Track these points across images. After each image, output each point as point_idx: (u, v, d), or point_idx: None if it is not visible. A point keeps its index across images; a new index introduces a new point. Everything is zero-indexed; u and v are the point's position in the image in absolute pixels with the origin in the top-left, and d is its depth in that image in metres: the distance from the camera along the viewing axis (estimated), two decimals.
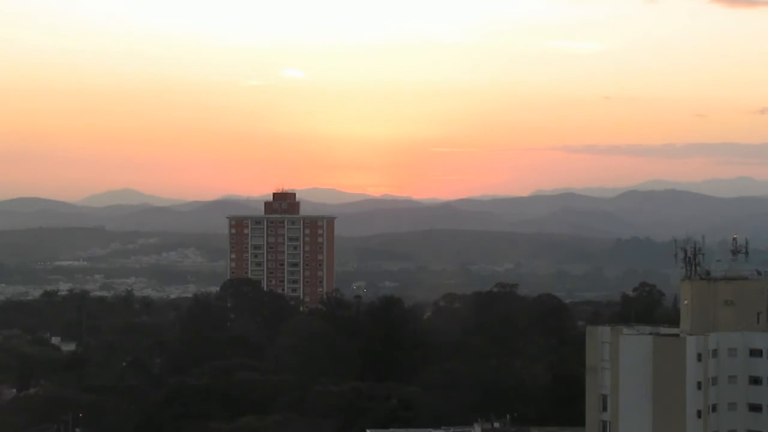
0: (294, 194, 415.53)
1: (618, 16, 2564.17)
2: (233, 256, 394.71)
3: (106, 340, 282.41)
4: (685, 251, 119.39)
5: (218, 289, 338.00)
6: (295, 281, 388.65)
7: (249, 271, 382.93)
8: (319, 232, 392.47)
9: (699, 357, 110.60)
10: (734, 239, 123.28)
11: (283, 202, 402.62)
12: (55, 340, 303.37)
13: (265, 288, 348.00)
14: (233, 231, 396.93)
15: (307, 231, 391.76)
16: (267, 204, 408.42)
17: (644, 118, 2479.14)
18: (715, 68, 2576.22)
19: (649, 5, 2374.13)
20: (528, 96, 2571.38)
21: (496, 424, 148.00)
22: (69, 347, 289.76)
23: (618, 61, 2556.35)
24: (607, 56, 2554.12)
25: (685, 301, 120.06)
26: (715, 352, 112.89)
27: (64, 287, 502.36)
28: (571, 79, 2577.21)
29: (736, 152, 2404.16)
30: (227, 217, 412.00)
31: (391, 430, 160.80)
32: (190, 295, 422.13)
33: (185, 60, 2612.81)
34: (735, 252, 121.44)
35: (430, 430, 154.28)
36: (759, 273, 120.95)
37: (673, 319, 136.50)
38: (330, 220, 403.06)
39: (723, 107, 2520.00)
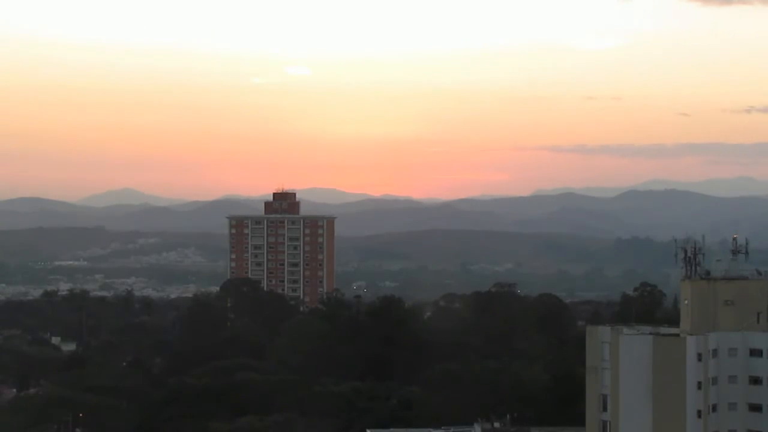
0: (294, 194, 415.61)
1: (598, 16, 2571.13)
2: (233, 256, 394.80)
3: (106, 340, 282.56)
4: (685, 251, 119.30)
5: (218, 289, 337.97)
6: (295, 281, 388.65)
7: (249, 271, 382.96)
8: (319, 232, 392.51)
9: (699, 357, 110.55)
10: (734, 239, 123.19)
11: (283, 202, 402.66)
12: (55, 340, 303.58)
13: (265, 288, 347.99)
14: (233, 231, 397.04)
15: (307, 231, 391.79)
16: (267, 204, 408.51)
17: (630, 118, 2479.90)
18: (694, 67, 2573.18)
19: (624, 3, 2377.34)
20: (528, 96, 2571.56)
21: (496, 424, 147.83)
22: (69, 347, 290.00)
23: (598, 62, 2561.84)
24: (587, 56, 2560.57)
25: (685, 301, 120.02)
26: (715, 352, 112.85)
27: (64, 287, 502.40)
28: (556, 79, 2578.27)
29: (728, 152, 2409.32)
30: (227, 217, 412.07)
31: (391, 430, 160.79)
32: (190, 295, 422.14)
33: (185, 59, 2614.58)
34: (735, 252, 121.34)
35: (430, 430, 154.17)
36: (759, 273, 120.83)
37: (673, 319, 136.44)
38: (330, 220, 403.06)
39: (706, 106, 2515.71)
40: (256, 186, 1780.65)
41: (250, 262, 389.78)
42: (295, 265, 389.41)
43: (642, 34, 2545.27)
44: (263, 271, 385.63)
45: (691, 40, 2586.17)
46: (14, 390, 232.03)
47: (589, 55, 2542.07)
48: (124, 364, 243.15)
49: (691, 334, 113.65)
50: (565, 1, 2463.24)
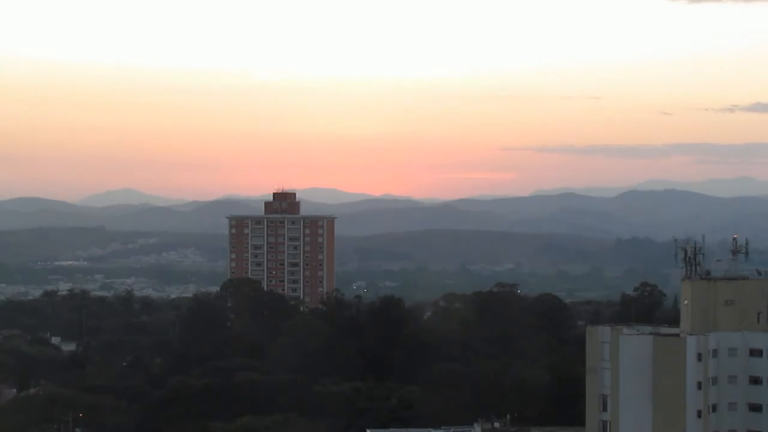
0: (294, 194, 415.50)
1: (581, 15, 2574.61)
2: (233, 256, 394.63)
3: (106, 340, 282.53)
4: (685, 251, 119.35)
5: (218, 289, 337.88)
6: (295, 281, 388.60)
7: (249, 271, 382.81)
8: (319, 232, 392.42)
9: (699, 357, 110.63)
10: (734, 239, 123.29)
11: (283, 201, 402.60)
12: (55, 340, 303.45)
13: (265, 288, 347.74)
14: (233, 231, 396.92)
15: (307, 231, 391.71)
16: (267, 204, 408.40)
17: (612, 117, 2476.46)
18: (672, 66, 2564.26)
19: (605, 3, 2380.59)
20: (528, 96, 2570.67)
21: (496, 424, 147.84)
22: (69, 347, 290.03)
23: (578, 60, 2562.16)
24: (568, 55, 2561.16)
25: (685, 301, 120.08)
26: (715, 352, 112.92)
27: (64, 287, 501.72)
28: (550, 79, 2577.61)
29: (719, 152, 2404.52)
30: (227, 217, 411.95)
31: (391, 430, 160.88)
32: (190, 295, 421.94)
33: (185, 59, 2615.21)
34: (735, 252, 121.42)
35: (430, 430, 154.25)
36: (759, 273, 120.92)
37: (673, 319, 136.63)
38: (330, 220, 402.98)
39: (687, 105, 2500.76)
40: (256, 186, 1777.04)
41: (250, 262, 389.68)
42: (295, 265, 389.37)
43: (623, 32, 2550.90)
44: (263, 271, 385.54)
45: (668, 39, 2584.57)
46: (14, 390, 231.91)
47: (568, 54, 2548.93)
48: (124, 364, 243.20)
49: (691, 334, 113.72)
50: (564, 4, 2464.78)
